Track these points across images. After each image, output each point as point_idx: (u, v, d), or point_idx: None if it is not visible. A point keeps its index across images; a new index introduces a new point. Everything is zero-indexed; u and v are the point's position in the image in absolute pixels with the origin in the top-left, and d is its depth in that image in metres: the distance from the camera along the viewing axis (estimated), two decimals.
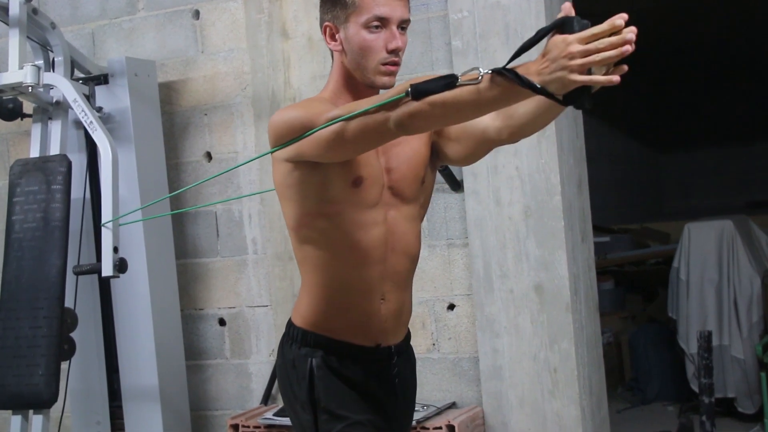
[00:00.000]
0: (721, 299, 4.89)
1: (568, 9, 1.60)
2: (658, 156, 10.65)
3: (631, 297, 6.23)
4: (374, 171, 1.99)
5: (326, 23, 2.00)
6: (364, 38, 1.94)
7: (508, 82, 1.60)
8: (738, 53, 8.71)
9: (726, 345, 4.83)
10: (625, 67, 1.60)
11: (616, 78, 1.56)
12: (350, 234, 1.98)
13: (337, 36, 1.98)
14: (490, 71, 1.62)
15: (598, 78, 1.55)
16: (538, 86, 1.57)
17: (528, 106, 1.91)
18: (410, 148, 2.05)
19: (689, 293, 4.97)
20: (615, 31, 1.53)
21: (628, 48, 1.52)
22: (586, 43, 1.53)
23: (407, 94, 1.70)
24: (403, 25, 1.97)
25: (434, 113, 1.70)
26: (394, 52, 1.95)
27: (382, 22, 1.93)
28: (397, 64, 1.96)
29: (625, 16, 1.54)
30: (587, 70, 1.55)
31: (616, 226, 7.42)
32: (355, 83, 2.00)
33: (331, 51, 2.02)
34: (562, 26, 1.59)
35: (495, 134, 2.02)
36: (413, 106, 1.70)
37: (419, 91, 1.68)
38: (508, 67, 1.62)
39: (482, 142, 2.06)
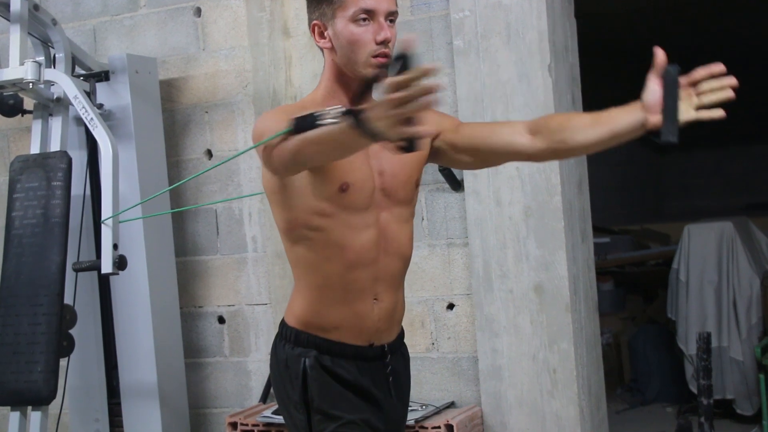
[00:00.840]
0: (720, 301, 4.89)
1: (408, 42, 1.53)
2: (658, 157, 10.64)
3: (631, 298, 6.23)
4: (362, 175, 1.98)
5: (314, 22, 2.00)
6: (352, 32, 1.93)
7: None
8: (738, 55, 8.70)
9: (725, 346, 4.83)
10: (720, 112, 1.67)
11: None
12: (342, 236, 1.98)
13: (325, 33, 1.98)
14: (341, 112, 1.62)
15: (423, 131, 1.53)
16: (374, 132, 1.54)
17: (588, 136, 1.88)
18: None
19: (689, 294, 4.97)
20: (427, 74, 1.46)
21: (432, 99, 1.46)
22: (398, 89, 1.47)
23: (290, 129, 1.74)
24: (391, 17, 1.97)
25: (308, 151, 1.74)
26: (384, 43, 1.94)
27: (369, 15, 1.93)
28: (387, 55, 1.95)
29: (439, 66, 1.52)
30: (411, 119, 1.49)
31: (616, 227, 7.42)
32: (347, 80, 2.00)
33: (322, 49, 2.02)
34: (403, 61, 1.51)
35: (532, 151, 1.97)
36: (292, 142, 1.75)
37: (297, 128, 1.71)
38: (361, 107, 1.58)
39: (504, 155, 2.05)
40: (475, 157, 2.09)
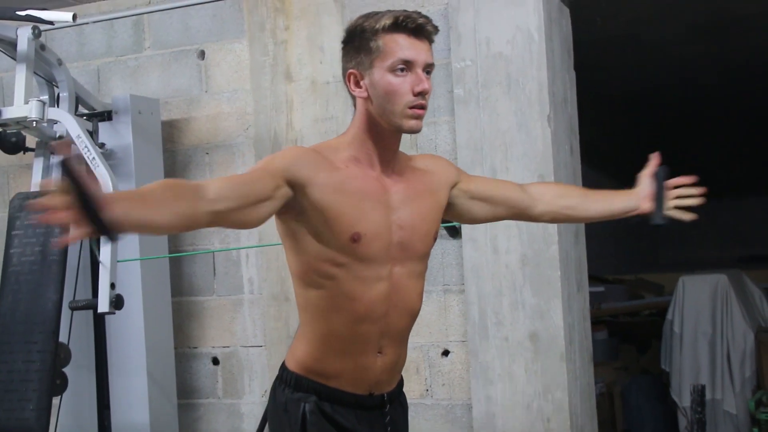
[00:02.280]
0: (714, 353, 4.89)
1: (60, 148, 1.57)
2: None
3: (625, 348, 6.21)
4: (377, 227, 1.96)
5: (350, 70, 1.97)
6: (390, 82, 1.91)
7: None
8: (733, 106, 8.79)
9: (719, 399, 4.82)
10: (692, 216, 2.12)
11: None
12: (353, 288, 1.96)
13: (362, 83, 1.95)
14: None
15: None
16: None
17: (599, 210, 2.25)
18: (427, 204, 2.05)
19: (682, 346, 4.97)
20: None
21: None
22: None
23: None
24: (428, 69, 1.95)
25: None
26: (421, 94, 1.92)
27: (408, 66, 1.91)
28: (424, 107, 1.93)
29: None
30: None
31: (610, 276, 7.43)
32: (379, 130, 1.96)
33: (354, 98, 1.99)
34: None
35: (535, 212, 2.20)
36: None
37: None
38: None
39: (511, 208, 2.20)
40: (487, 206, 2.16)
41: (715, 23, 5.39)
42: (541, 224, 3.39)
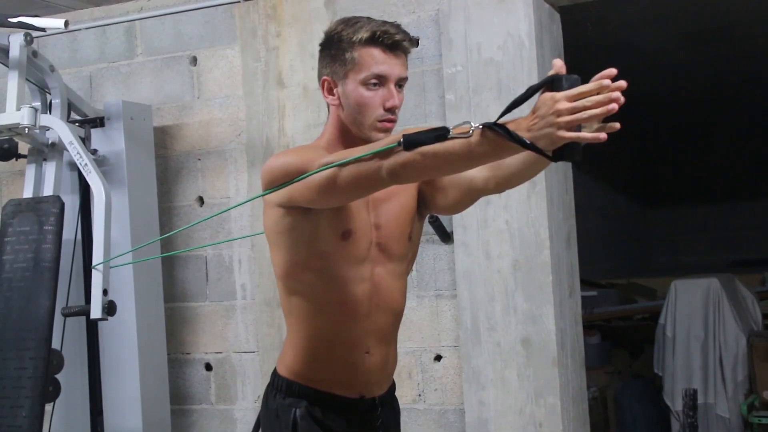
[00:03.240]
0: (706, 357, 4.90)
1: (558, 66, 1.63)
2: (646, 211, 10.72)
3: (618, 352, 6.22)
4: (363, 225, 2.01)
5: (324, 77, 2.02)
6: (361, 95, 1.95)
7: (498, 137, 1.61)
8: (724, 112, 8.82)
9: (711, 403, 4.83)
10: (617, 125, 1.66)
11: (602, 135, 1.61)
12: (336, 289, 1.99)
13: (335, 90, 2.00)
14: (480, 126, 1.64)
15: (586, 135, 1.58)
16: (528, 142, 1.59)
17: (516, 158, 1.96)
18: (399, 204, 2.08)
19: (675, 350, 4.98)
20: (603, 90, 1.57)
21: (615, 106, 1.55)
22: (574, 101, 1.55)
23: (399, 144, 1.71)
24: (401, 82, 1.99)
25: (425, 164, 1.71)
26: (391, 110, 1.97)
27: (381, 80, 1.95)
28: (393, 121, 1.98)
29: (613, 71, 1.58)
30: (576, 127, 1.57)
31: (603, 281, 7.44)
32: (350, 136, 2.01)
33: (328, 103, 2.04)
34: (551, 83, 1.62)
35: (482, 184, 2.07)
36: (405, 156, 1.71)
37: (411, 141, 1.69)
38: (499, 122, 1.64)
39: (469, 191, 2.10)
40: (446, 193, 2.13)
41: (706, 30, 5.41)
42: (533, 229, 3.41)
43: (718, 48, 5.95)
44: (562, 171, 3.64)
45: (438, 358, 3.63)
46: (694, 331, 4.95)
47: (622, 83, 1.57)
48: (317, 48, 2.07)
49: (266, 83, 3.87)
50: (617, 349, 6.21)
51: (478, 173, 2.04)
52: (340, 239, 1.96)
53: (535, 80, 3.43)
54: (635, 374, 5.97)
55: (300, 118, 3.81)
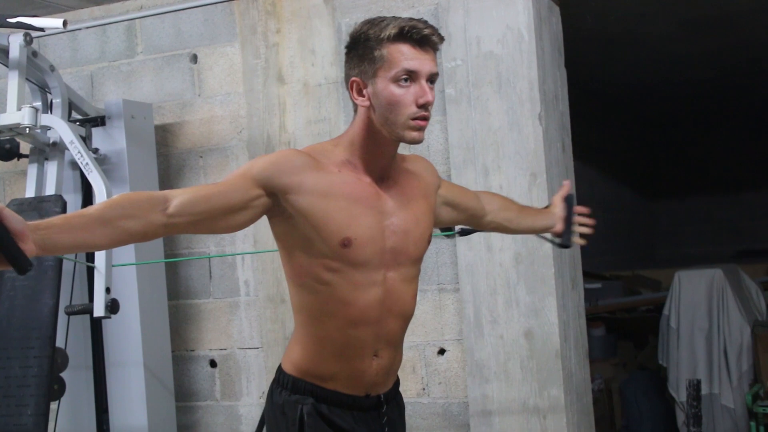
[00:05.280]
0: (711, 348, 4.90)
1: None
2: (650, 203, 10.71)
3: (623, 344, 6.22)
4: (369, 231, 1.95)
5: (353, 78, 1.95)
6: (393, 93, 1.89)
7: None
8: (727, 102, 8.81)
9: (716, 394, 4.83)
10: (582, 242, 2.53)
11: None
12: (346, 293, 1.96)
13: (364, 91, 1.93)
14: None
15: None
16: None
17: (525, 225, 2.46)
18: (421, 209, 2.06)
19: (679, 341, 4.98)
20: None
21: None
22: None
23: None
24: (432, 78, 1.93)
25: None
26: (424, 106, 1.91)
27: (412, 76, 1.89)
28: (426, 118, 1.92)
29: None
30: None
31: (607, 273, 7.44)
32: (378, 137, 1.95)
33: (355, 105, 1.97)
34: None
35: (485, 222, 2.37)
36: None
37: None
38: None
39: (473, 219, 2.36)
40: (453, 212, 2.26)
41: (707, 19, 5.40)
42: None
43: (719, 37, 5.93)
44: (563, 163, 3.64)
45: (441, 351, 3.63)
46: (698, 322, 4.94)
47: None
48: (317, 44, 2.07)
49: (266, 80, 3.87)
50: (622, 340, 6.21)
51: (490, 215, 2.36)
52: (340, 247, 1.92)
53: (534, 74, 3.44)
54: (640, 366, 5.97)
55: (300, 115, 3.81)
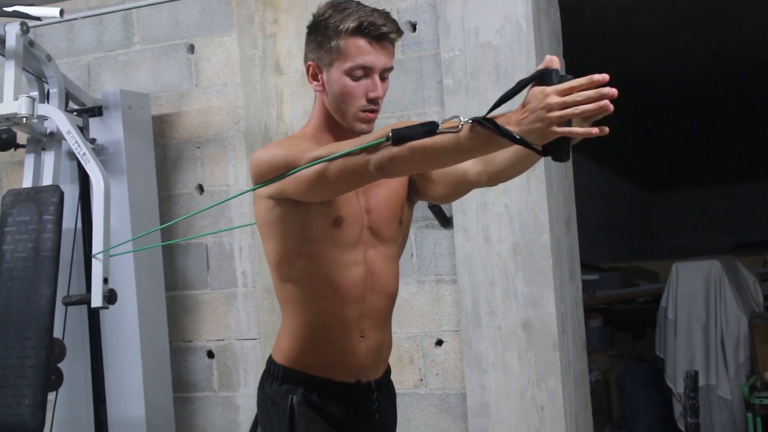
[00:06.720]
0: (708, 339, 4.90)
1: (549, 61, 1.59)
2: (647, 195, 10.72)
3: (620, 335, 6.24)
4: (354, 211, 2.02)
5: (309, 62, 2.02)
6: (345, 84, 1.96)
7: (487, 131, 1.60)
8: (725, 95, 8.80)
9: (713, 385, 4.84)
10: (607, 129, 1.58)
11: (594, 130, 1.55)
12: (330, 273, 2.00)
13: (319, 77, 2.00)
14: (469, 120, 1.62)
15: (577, 129, 1.55)
16: (517, 137, 1.57)
17: (507, 153, 1.93)
18: (388, 189, 2.08)
19: (677, 333, 4.98)
20: (593, 86, 1.53)
21: (607, 103, 1.51)
22: (564, 96, 1.53)
23: (388, 138, 1.70)
24: (385, 73, 1.99)
25: (414, 159, 1.70)
26: (374, 101, 1.97)
27: (365, 71, 1.95)
28: (375, 111, 1.99)
29: (606, 76, 1.53)
30: (566, 122, 1.55)
31: (605, 264, 7.45)
32: (335, 123, 2.02)
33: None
34: (541, 78, 1.59)
35: (475, 178, 2.05)
36: (393, 150, 1.70)
37: (400, 136, 1.69)
38: (488, 116, 1.62)
39: (462, 183, 2.09)
40: (442, 185, 2.12)
41: (705, 11, 5.39)
42: (532, 213, 3.41)
43: (717, 30, 5.93)
44: None
45: (439, 342, 3.63)
46: (695, 314, 4.95)
47: (614, 90, 1.52)
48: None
49: (264, 70, 3.86)
50: (620, 332, 6.23)
51: (471, 167, 2.03)
52: (332, 226, 1.97)
53: (533, 64, 3.42)
54: (638, 357, 5.98)
55: (298, 105, 3.80)
